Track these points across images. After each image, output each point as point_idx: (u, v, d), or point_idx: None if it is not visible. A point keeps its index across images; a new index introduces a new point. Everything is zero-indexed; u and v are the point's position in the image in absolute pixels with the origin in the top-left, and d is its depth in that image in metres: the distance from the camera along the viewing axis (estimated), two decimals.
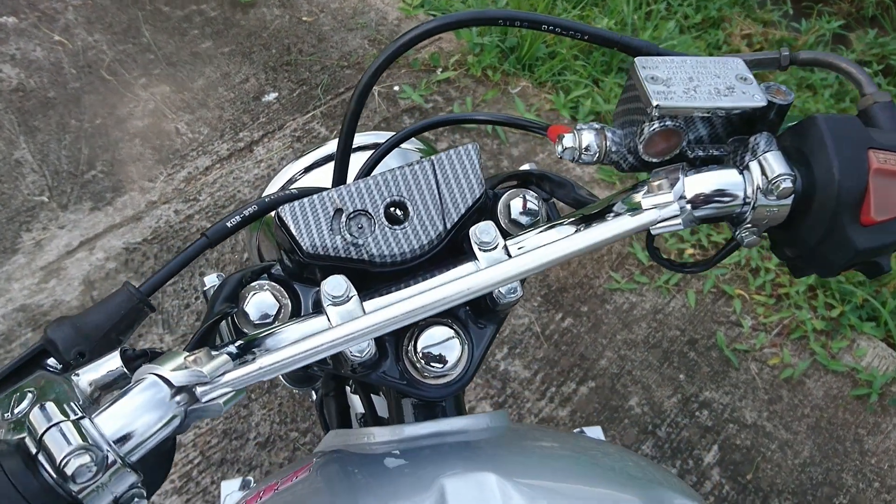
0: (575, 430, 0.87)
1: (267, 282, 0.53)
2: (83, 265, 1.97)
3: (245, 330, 0.52)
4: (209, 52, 2.52)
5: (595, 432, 0.87)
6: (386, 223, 0.52)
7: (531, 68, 2.53)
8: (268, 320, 0.52)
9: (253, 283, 0.53)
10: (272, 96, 2.40)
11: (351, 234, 0.51)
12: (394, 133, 0.68)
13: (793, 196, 0.49)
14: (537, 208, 0.59)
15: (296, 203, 0.50)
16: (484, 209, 0.58)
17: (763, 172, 0.48)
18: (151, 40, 2.54)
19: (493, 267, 0.48)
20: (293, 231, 0.50)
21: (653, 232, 0.50)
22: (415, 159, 0.54)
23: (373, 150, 0.68)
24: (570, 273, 2.04)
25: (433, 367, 0.52)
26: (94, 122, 2.30)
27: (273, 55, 2.52)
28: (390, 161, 0.70)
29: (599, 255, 2.09)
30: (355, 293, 0.49)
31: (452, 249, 0.54)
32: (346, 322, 0.46)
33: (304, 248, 0.50)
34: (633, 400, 1.83)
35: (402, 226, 0.52)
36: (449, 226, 0.52)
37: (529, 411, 1.80)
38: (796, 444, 1.79)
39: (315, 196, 0.51)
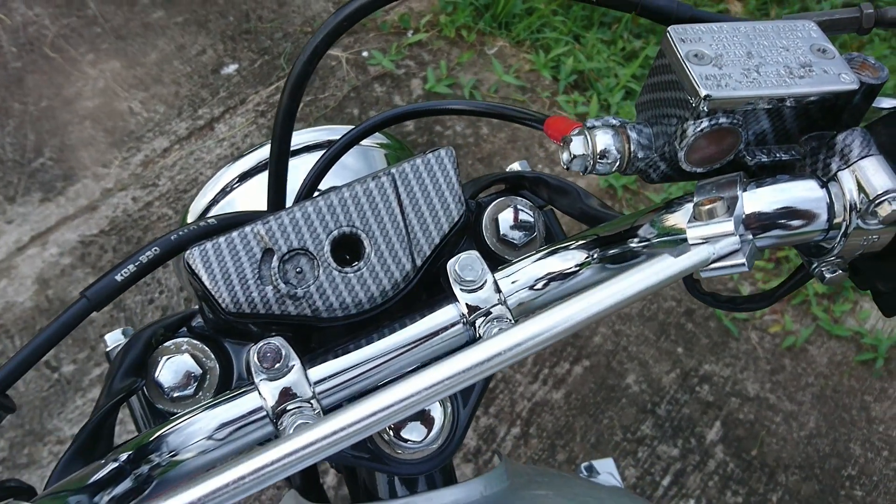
0: (584, 465, 0.76)
1: (186, 339, 0.41)
2: (36, 262, 1.82)
3: (159, 406, 0.40)
4: (161, 23, 2.33)
5: (606, 465, 0.76)
6: (333, 265, 0.39)
7: (508, 26, 2.37)
8: (188, 391, 0.40)
9: (167, 343, 0.41)
10: (232, 68, 2.23)
11: (286, 283, 0.38)
12: (351, 127, 0.54)
13: None
14: (532, 220, 0.47)
15: (208, 245, 0.37)
16: (465, 226, 0.46)
17: (860, 187, 0.36)
18: (98, 12, 2.34)
19: (486, 344, 0.34)
20: (207, 284, 0.37)
21: (704, 276, 0.37)
22: (378, 167, 0.42)
23: (323, 151, 0.54)
24: None
25: (407, 443, 0.40)
26: (39, 104, 2.12)
27: (231, 23, 2.34)
28: (349, 162, 0.57)
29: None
30: (296, 361, 0.36)
31: (427, 282, 0.42)
32: (284, 401, 0.34)
33: (224, 305, 0.38)
34: (630, 378, 1.74)
35: (355, 266, 0.39)
36: (419, 262, 0.40)
37: (522, 395, 1.70)
38: (801, 415, 1.71)
39: (235, 234, 0.38)
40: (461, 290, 0.38)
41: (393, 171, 0.40)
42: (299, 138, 0.69)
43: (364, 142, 0.67)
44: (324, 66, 2.23)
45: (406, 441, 0.40)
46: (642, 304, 1.84)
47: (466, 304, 0.38)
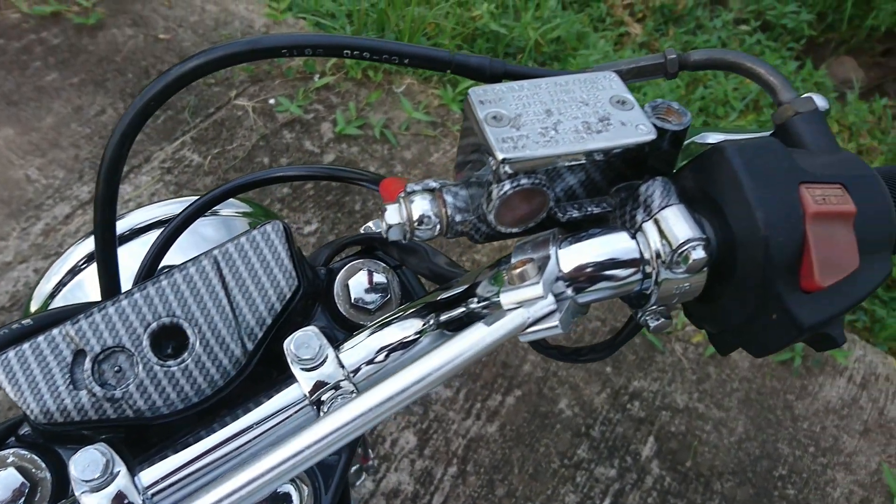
0: None
1: (12, 451, 0.38)
2: None
3: None
4: (56, 85, 2.25)
5: None
6: (154, 359, 0.37)
7: None
8: None
9: None
10: None
11: (102, 385, 0.36)
12: (196, 198, 0.52)
13: (707, 266, 0.36)
14: (386, 282, 0.45)
15: (10, 354, 0.35)
16: (316, 294, 0.44)
17: (663, 236, 0.36)
18: None
19: (326, 421, 0.33)
20: (12, 395, 0.34)
21: (523, 340, 0.36)
22: (218, 245, 0.40)
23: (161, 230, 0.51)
24: None
25: None
26: None
27: (130, 80, 2.29)
28: (210, 234, 0.54)
29: (503, 243, 1.99)
30: (122, 466, 0.34)
31: (269, 361, 0.40)
32: None
33: (34, 415, 0.35)
34: (563, 402, 1.74)
35: (179, 359, 0.37)
36: (251, 346, 0.38)
37: (456, 433, 1.68)
38: (730, 421, 1.74)
39: (41, 338, 0.35)
40: (300, 368, 0.37)
41: (215, 252, 0.38)
42: (150, 213, 0.66)
43: (225, 212, 0.64)
44: (230, 116, 2.19)
45: None
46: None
47: (308, 381, 0.37)
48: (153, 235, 0.59)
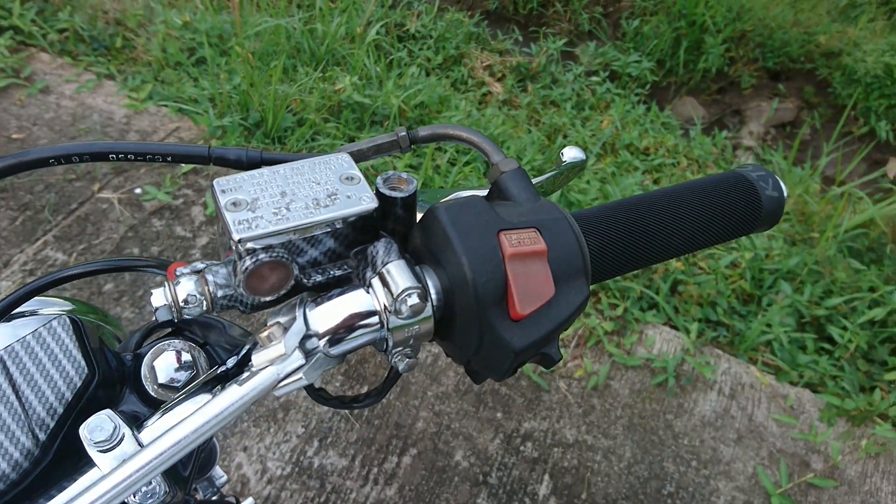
0: None
1: None
2: None
3: None
4: None
5: None
6: None
7: (282, 140, 2.44)
8: None
9: None
10: None
11: None
12: None
13: (431, 306, 0.42)
14: (192, 359, 0.48)
15: None
16: (124, 380, 0.46)
17: (387, 288, 0.41)
18: None
19: (107, 478, 0.36)
20: None
21: (277, 394, 0.41)
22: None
23: None
24: None
25: None
26: None
27: None
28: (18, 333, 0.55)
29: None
30: None
31: (78, 453, 0.41)
32: None
33: None
34: (459, 454, 1.77)
35: None
36: (44, 437, 0.40)
37: (356, 502, 1.66)
38: (617, 448, 1.82)
39: None
40: (97, 451, 0.39)
41: (0, 352, 0.40)
42: None
43: (46, 311, 0.65)
44: (94, 210, 2.14)
45: None
46: (456, 378, 1.90)
47: (106, 462, 0.39)
48: None
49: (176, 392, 0.47)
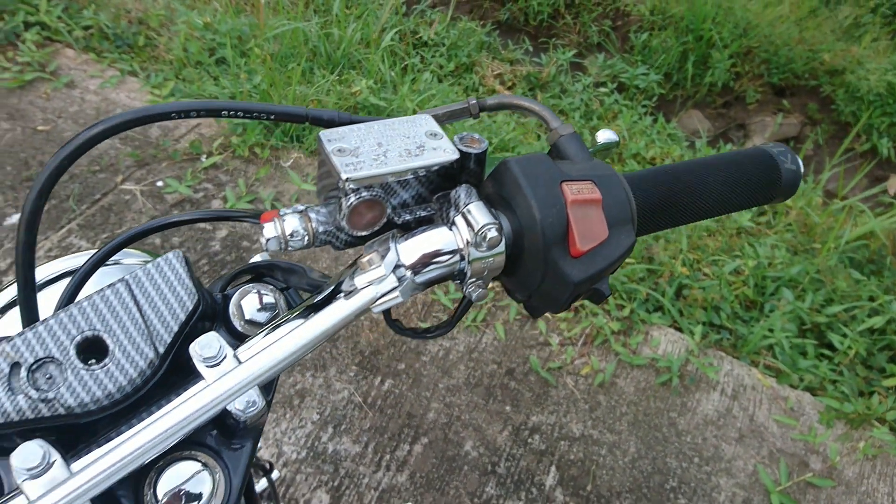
0: None
1: None
2: None
3: None
4: None
5: None
6: (80, 365, 0.44)
7: (300, 139, 2.51)
8: None
9: None
10: (16, 218, 2.14)
11: (37, 390, 0.42)
12: (95, 251, 0.59)
13: (504, 243, 0.48)
14: (274, 301, 0.54)
15: None
16: (215, 315, 0.52)
17: (469, 225, 0.47)
18: None
19: (212, 385, 0.42)
20: None
21: (374, 311, 0.47)
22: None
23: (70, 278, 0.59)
24: (381, 334, 2.01)
25: None
26: None
27: (10, 173, 2.26)
28: (113, 278, 0.61)
29: (405, 309, 2.08)
30: (57, 456, 0.40)
31: (181, 371, 0.47)
32: (47, 492, 0.38)
33: None
34: (468, 445, 1.82)
35: (102, 364, 0.44)
36: (162, 350, 0.46)
37: (368, 486, 1.72)
38: (622, 443, 1.88)
39: None
40: (205, 366, 0.44)
41: (127, 277, 0.46)
42: (58, 266, 0.72)
43: (127, 261, 0.71)
44: (118, 201, 2.20)
45: None
46: (467, 372, 1.95)
47: (211, 376, 0.44)
48: (62, 285, 0.64)
49: (260, 328, 0.53)
